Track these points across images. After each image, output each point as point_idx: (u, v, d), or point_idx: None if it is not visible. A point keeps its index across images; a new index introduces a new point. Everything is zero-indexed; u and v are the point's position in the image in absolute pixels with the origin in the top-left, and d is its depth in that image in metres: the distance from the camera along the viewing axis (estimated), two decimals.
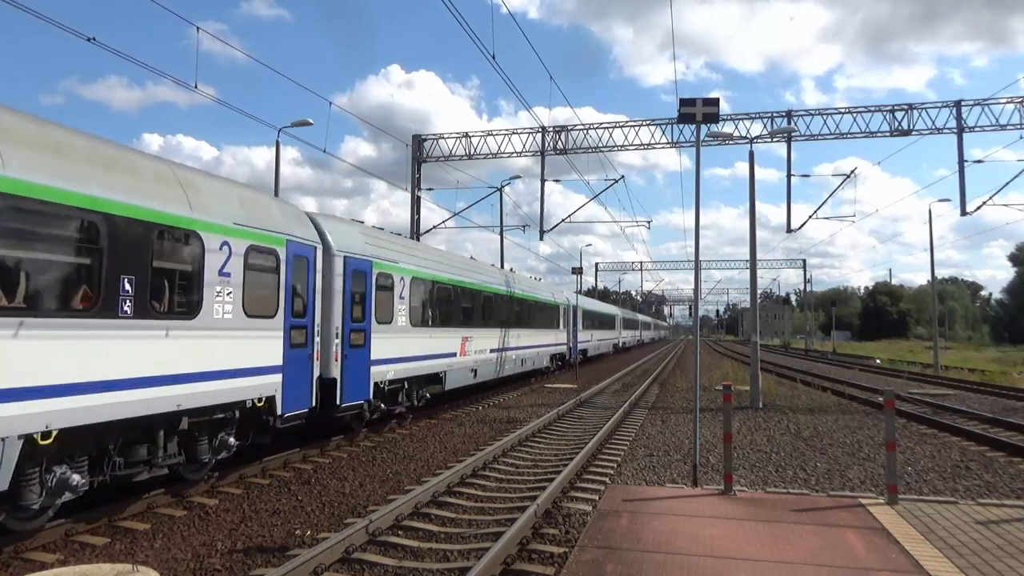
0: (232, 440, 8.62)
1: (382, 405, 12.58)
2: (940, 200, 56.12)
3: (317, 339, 10.33)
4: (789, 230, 25.85)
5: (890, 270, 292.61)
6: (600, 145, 27.69)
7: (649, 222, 42.89)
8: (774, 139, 26.16)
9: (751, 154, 18.50)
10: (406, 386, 13.67)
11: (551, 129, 28.39)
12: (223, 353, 8.20)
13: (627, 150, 28.06)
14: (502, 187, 32.15)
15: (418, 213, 29.32)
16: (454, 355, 16.39)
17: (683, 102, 9.10)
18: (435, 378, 15.35)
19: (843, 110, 26.12)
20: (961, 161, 24.65)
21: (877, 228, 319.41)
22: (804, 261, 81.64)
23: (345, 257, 11.26)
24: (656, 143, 27.64)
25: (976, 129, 24.51)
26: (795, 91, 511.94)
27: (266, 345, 9.03)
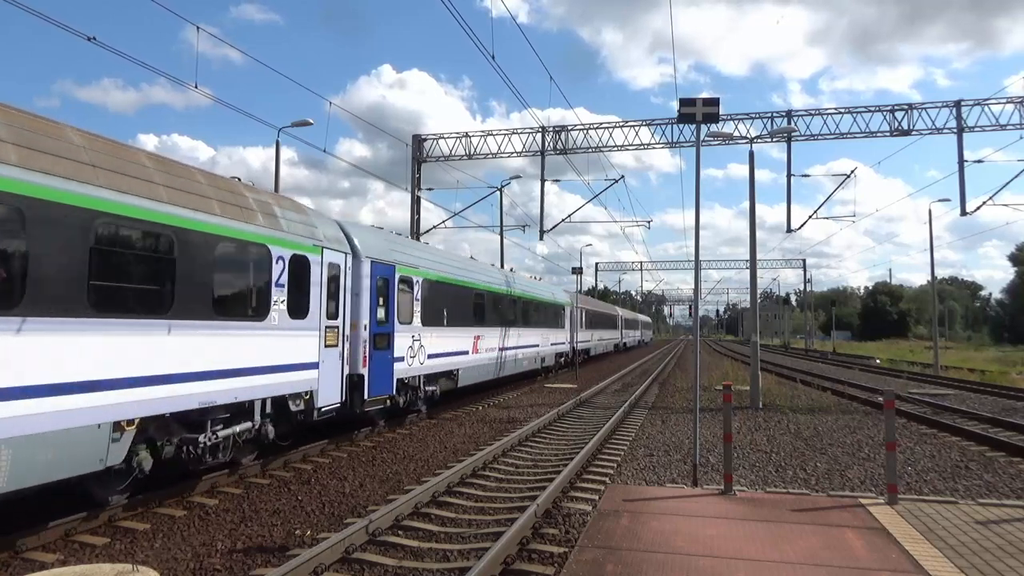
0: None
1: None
2: (939, 200, 56.34)
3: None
4: (789, 230, 25.84)
5: (890, 270, 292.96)
6: (600, 145, 27.70)
7: (649, 222, 42.75)
8: (774, 139, 26.15)
9: (751, 154, 18.50)
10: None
11: (551, 129, 28.40)
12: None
13: (627, 150, 28.08)
14: (502, 187, 32.18)
15: (418, 213, 29.34)
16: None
17: (683, 102, 9.09)
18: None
19: (843, 110, 26.11)
20: (961, 161, 24.65)
21: (872, 228, 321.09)
22: (804, 261, 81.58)
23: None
24: (655, 143, 27.65)
25: (976, 129, 24.52)
26: (782, 94, 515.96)
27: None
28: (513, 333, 21.51)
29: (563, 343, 29.92)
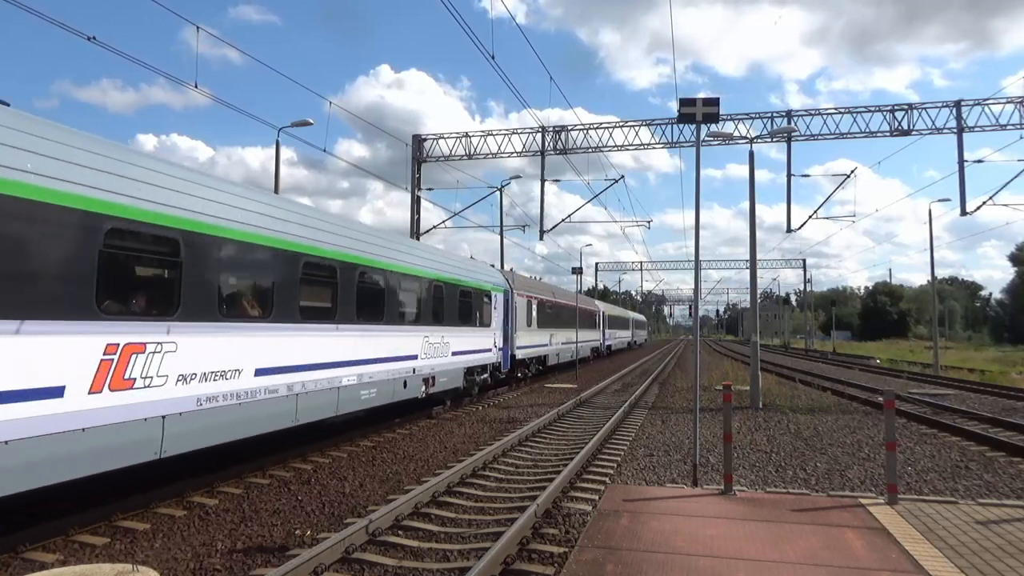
0: None
1: None
2: (939, 200, 56.38)
3: None
4: (789, 230, 25.87)
5: (890, 270, 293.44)
6: (599, 145, 27.73)
7: (649, 222, 42.72)
8: (774, 139, 26.17)
9: (751, 154, 18.49)
10: None
11: (551, 129, 28.43)
12: None
13: (626, 150, 28.14)
14: (502, 187, 32.13)
15: (418, 213, 29.36)
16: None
17: (683, 102, 9.08)
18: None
19: (843, 110, 26.14)
20: (961, 161, 24.68)
21: (871, 229, 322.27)
22: (804, 261, 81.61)
23: None
24: (655, 143, 27.70)
25: (976, 129, 24.55)
26: (779, 94, 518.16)
27: None
28: (335, 334, 10.72)
29: (488, 350, 19.17)
